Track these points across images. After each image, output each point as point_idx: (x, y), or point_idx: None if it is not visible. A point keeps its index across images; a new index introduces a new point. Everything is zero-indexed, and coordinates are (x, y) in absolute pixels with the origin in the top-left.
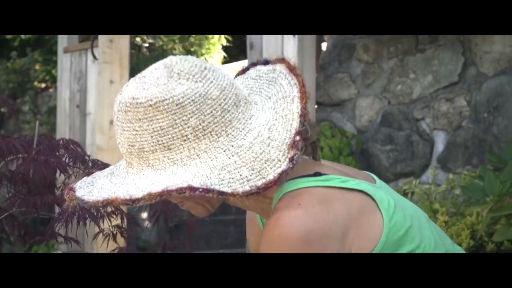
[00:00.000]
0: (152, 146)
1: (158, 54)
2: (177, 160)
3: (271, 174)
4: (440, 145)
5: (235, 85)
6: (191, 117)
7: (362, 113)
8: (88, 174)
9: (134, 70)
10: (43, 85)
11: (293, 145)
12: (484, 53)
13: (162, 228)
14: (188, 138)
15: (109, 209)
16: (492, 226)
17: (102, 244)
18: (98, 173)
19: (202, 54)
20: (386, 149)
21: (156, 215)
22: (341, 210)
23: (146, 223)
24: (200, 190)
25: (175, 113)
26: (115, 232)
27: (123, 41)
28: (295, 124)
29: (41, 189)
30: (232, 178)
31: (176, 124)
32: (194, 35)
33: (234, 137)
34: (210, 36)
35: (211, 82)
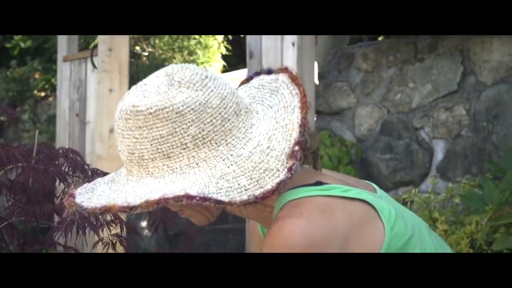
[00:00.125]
0: (151, 154)
1: (157, 63)
2: (176, 168)
3: (269, 183)
4: (439, 154)
5: (236, 94)
6: (191, 125)
7: (362, 122)
8: (88, 183)
9: (134, 79)
10: (42, 94)
11: (292, 155)
12: (483, 62)
13: (161, 237)
14: (188, 147)
15: (108, 218)
16: (491, 235)
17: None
18: (99, 179)
19: (201, 63)
20: (386, 158)
21: (155, 224)
22: (342, 219)
23: (146, 232)
24: (197, 198)
25: (175, 121)
26: (114, 241)
27: (123, 50)
28: (295, 134)
29: (40, 198)
30: (230, 187)
31: (176, 132)
32: (193, 46)
33: (234, 146)
34: (209, 45)
35: (212, 90)
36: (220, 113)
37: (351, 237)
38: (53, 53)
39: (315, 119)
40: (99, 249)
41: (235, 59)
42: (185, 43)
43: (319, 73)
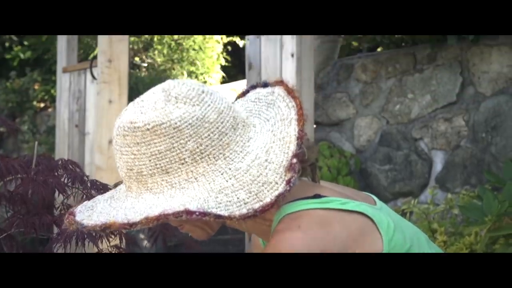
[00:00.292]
0: (150, 169)
1: (157, 74)
2: (175, 183)
3: (268, 197)
4: (438, 165)
5: (233, 108)
6: (189, 140)
7: (361, 132)
8: (87, 195)
9: (133, 90)
10: (42, 105)
11: (290, 167)
12: (482, 73)
13: (161, 248)
14: (186, 162)
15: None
16: (490, 246)
17: None
18: (99, 197)
19: (201, 74)
20: (385, 169)
21: (154, 235)
22: (340, 232)
23: (145, 243)
24: (197, 213)
25: (172, 137)
26: (113, 252)
27: (122, 61)
28: (292, 146)
29: (39, 210)
30: (230, 201)
31: (173, 147)
32: (194, 57)
33: (232, 160)
34: (208, 55)
35: (209, 105)
36: (217, 128)
37: (349, 250)
38: (53, 64)
39: (313, 129)
40: None
41: (234, 70)
42: (184, 54)
43: (318, 84)
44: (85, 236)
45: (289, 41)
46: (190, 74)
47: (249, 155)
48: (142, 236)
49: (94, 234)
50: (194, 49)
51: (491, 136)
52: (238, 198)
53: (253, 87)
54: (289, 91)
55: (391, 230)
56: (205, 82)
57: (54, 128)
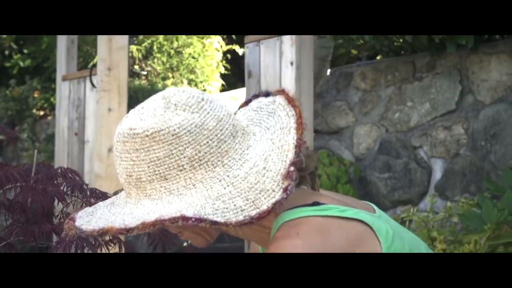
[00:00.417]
0: (149, 176)
1: (156, 82)
2: (174, 190)
3: (265, 204)
4: (437, 173)
5: (233, 116)
6: (187, 147)
7: (360, 140)
8: (86, 203)
9: (132, 98)
10: (41, 113)
11: (287, 175)
12: (481, 81)
13: None
14: (184, 168)
15: (107, 238)
16: None
17: None
18: (100, 203)
19: (200, 82)
20: (384, 177)
21: (154, 243)
22: (339, 239)
23: (144, 251)
24: (193, 219)
25: (171, 144)
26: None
27: (122, 69)
28: (291, 154)
29: (39, 218)
30: (226, 208)
31: (172, 154)
32: (193, 65)
33: (230, 167)
34: (208, 63)
35: (208, 113)
36: (216, 135)
37: None
38: (52, 72)
39: (313, 137)
40: None
41: (233, 78)
42: (184, 62)
43: (317, 93)
44: (84, 244)
45: (289, 49)
46: (189, 82)
47: (248, 162)
48: (141, 244)
49: (93, 242)
50: (193, 57)
51: (490, 144)
52: (235, 205)
53: (255, 96)
54: (290, 100)
55: (390, 238)
56: (204, 90)
57: (53, 136)
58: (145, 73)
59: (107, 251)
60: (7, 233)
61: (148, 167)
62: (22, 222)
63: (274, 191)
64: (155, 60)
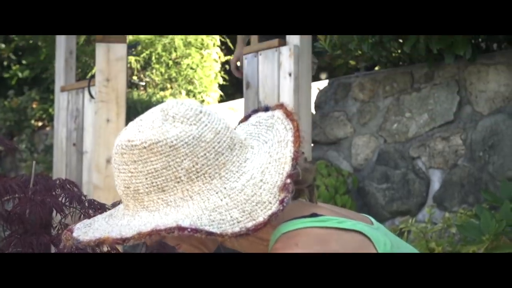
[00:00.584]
0: (146, 188)
1: (154, 93)
2: (171, 201)
3: (261, 216)
4: (436, 184)
5: (231, 129)
6: (185, 159)
7: (358, 151)
8: (84, 214)
9: (131, 108)
10: (40, 124)
11: (283, 187)
12: (480, 92)
13: None
14: (182, 180)
15: (105, 249)
16: None
17: None
18: (98, 216)
19: (199, 93)
20: (382, 188)
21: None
22: (338, 250)
23: None
24: (189, 230)
25: (168, 155)
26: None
27: (120, 80)
28: (287, 167)
29: (37, 229)
30: (223, 220)
31: (169, 166)
32: (191, 75)
33: (228, 180)
34: (206, 74)
35: (206, 125)
36: (213, 147)
37: None
38: (51, 83)
39: (311, 148)
40: None
41: (232, 89)
42: (182, 73)
43: (315, 103)
44: None
45: (287, 60)
46: (188, 93)
47: (245, 175)
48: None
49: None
50: (192, 68)
51: (489, 155)
52: (231, 216)
53: (254, 111)
54: (288, 114)
55: (388, 249)
56: (203, 101)
57: (52, 147)
58: (143, 83)
59: None
60: (5, 244)
61: (146, 178)
62: (20, 233)
63: (270, 203)
64: (154, 70)
